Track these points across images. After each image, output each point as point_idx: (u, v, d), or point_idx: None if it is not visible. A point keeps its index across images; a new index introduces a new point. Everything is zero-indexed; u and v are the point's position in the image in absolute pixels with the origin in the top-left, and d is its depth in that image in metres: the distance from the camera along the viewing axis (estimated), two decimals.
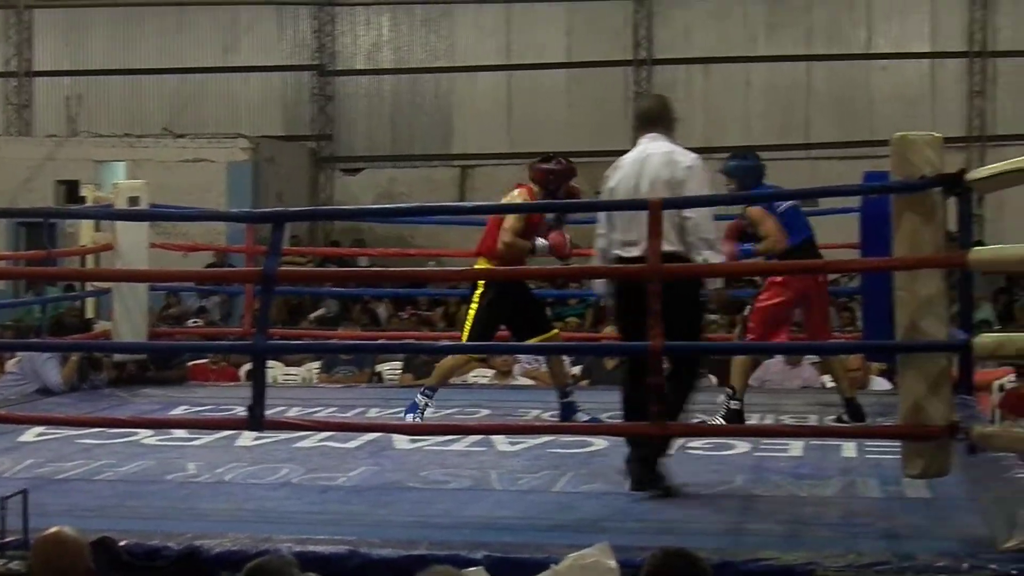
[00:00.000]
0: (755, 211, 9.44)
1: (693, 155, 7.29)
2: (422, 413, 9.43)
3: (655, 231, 6.56)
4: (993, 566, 5.31)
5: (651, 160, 7.22)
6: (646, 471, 7.03)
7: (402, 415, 9.48)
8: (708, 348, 13.05)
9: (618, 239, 7.29)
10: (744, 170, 9.68)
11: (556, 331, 9.89)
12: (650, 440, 7.08)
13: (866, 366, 11.98)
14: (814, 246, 9.67)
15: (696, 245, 7.13)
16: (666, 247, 6.84)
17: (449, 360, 9.80)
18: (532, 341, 9.52)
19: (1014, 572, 5.27)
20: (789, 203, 9.59)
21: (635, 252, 7.12)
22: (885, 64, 25.23)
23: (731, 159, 9.87)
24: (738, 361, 9.67)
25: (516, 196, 9.54)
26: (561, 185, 9.41)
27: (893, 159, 6.16)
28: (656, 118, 7.47)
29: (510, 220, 9.39)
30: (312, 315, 19.11)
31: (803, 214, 9.84)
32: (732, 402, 9.42)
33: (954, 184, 6.11)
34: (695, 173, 7.20)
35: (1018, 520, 5.79)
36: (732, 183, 9.63)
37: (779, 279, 9.48)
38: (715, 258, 7.25)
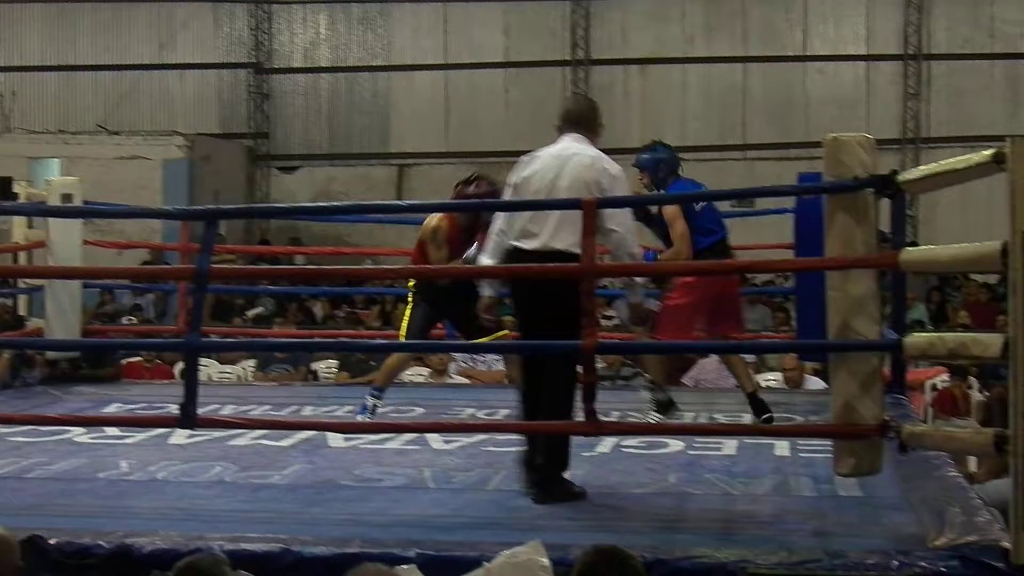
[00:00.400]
0: (670, 211, 9.33)
1: (617, 166, 7.18)
2: (372, 412, 9.41)
3: (589, 230, 6.56)
4: (923, 563, 5.34)
5: (575, 160, 7.10)
6: (550, 482, 6.97)
7: (340, 414, 9.47)
8: (647, 347, 13.09)
9: (518, 228, 7.12)
10: (655, 162, 9.48)
11: (506, 331, 9.60)
12: (551, 448, 7.04)
13: (800, 365, 12.06)
14: (727, 247, 9.60)
15: (621, 259, 7.12)
16: (574, 248, 6.81)
17: (393, 358, 9.76)
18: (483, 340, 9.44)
19: (943, 569, 5.31)
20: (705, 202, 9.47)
21: (534, 244, 7.02)
22: (821, 66, 25.40)
23: (643, 152, 9.68)
24: (651, 357, 9.64)
25: (437, 220, 9.49)
26: (482, 210, 9.14)
27: (826, 160, 6.19)
28: (583, 121, 7.34)
29: (434, 255, 9.35)
30: (250, 312, 19.05)
31: (719, 214, 9.72)
32: (657, 394, 9.41)
33: (886, 185, 6.15)
34: (621, 184, 7.13)
35: (948, 518, 5.85)
36: (644, 177, 9.50)
37: (688, 280, 9.40)
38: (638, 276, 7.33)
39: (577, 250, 6.76)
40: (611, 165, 7.11)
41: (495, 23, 26.04)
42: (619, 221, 7.03)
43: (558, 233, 6.95)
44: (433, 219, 9.49)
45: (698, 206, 9.32)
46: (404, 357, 10.02)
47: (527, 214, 7.11)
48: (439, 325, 10.03)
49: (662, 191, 9.51)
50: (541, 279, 6.97)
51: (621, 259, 7.08)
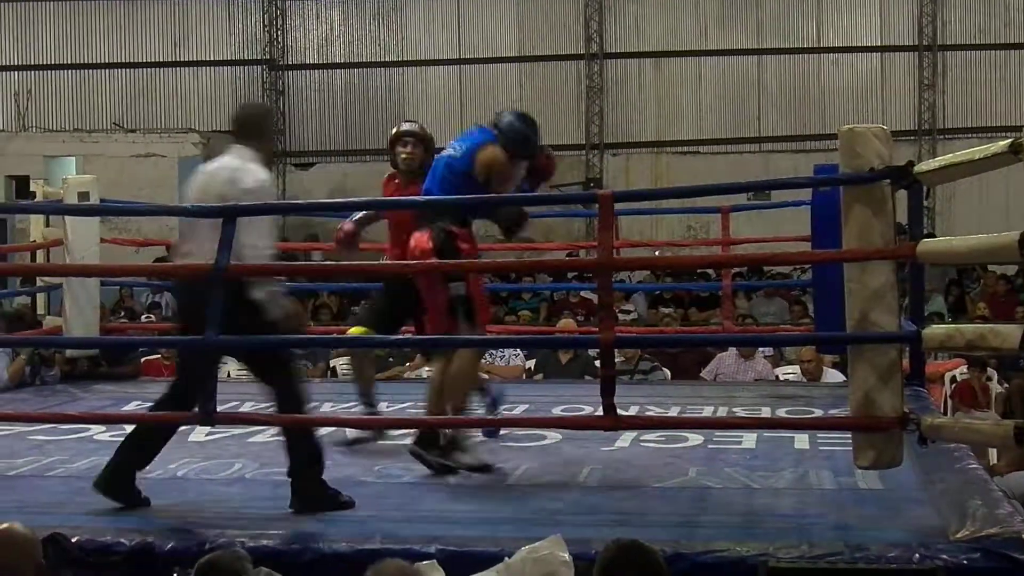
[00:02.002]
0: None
1: (261, 178, 6.73)
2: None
3: (606, 224, 6.55)
4: (945, 556, 5.33)
5: (216, 174, 6.82)
6: (314, 488, 6.68)
7: (358, 410, 9.45)
8: (660, 341, 13.11)
9: (182, 249, 6.95)
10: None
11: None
12: (306, 453, 6.78)
13: (819, 358, 12.04)
14: None
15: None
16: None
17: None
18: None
19: (965, 562, 5.30)
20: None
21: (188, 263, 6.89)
22: (836, 58, 25.38)
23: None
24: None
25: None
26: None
27: (842, 152, 6.18)
28: (244, 129, 6.91)
29: None
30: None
31: None
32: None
33: (902, 176, 6.13)
34: (256, 198, 6.68)
35: (969, 510, 5.84)
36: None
37: None
38: (267, 291, 6.72)
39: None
40: (249, 177, 6.70)
41: (509, 17, 26.06)
42: (246, 233, 6.67)
43: (202, 250, 6.71)
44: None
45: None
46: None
47: (183, 233, 6.97)
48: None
49: None
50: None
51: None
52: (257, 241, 6.68)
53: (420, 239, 7.54)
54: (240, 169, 6.73)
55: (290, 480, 6.70)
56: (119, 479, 6.70)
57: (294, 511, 6.55)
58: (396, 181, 9.04)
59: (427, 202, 7.74)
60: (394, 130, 9.00)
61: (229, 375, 13.21)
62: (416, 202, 8.08)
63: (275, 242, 7.08)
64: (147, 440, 6.87)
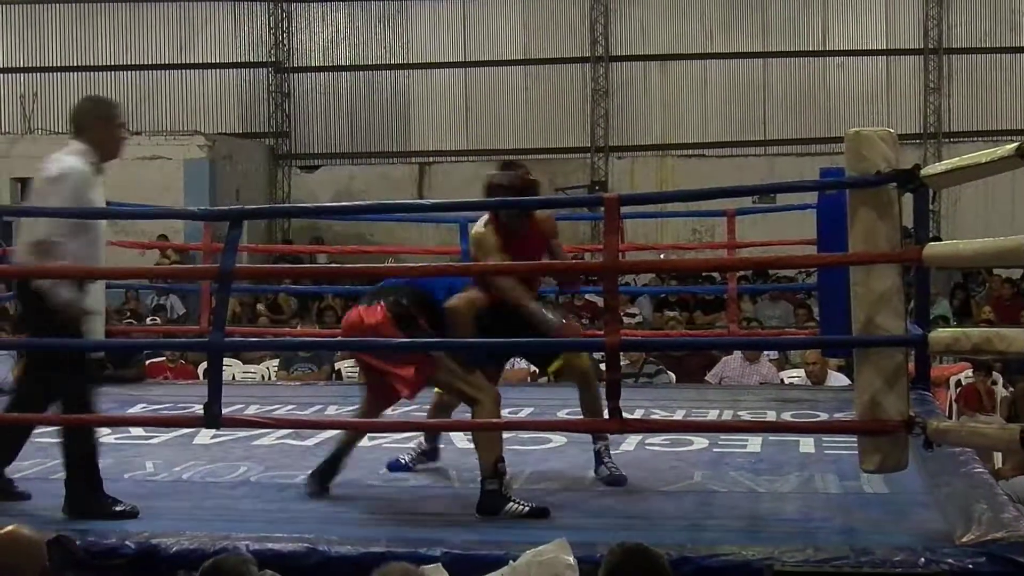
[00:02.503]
0: None
1: (65, 166, 6.72)
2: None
3: (612, 227, 6.53)
4: (950, 560, 5.32)
5: (43, 169, 6.88)
6: (86, 493, 6.67)
7: None
8: (665, 344, 13.12)
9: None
10: None
11: None
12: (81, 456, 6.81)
13: (823, 361, 12.03)
14: None
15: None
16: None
17: None
18: None
19: (970, 566, 5.29)
20: None
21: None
22: (841, 61, 25.36)
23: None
24: None
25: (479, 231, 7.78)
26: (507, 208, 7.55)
27: (848, 155, 6.17)
28: (74, 125, 6.96)
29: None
30: None
31: None
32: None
33: (909, 180, 6.12)
34: (52, 187, 6.74)
35: (975, 514, 5.83)
36: None
37: None
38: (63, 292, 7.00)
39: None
40: (54, 166, 6.76)
41: (514, 20, 26.07)
42: (31, 232, 6.82)
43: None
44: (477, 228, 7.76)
45: None
46: None
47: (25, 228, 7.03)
48: None
49: None
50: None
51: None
52: (48, 228, 6.75)
53: (369, 311, 6.99)
54: (52, 161, 6.81)
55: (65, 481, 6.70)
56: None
57: (66, 515, 6.52)
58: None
59: (433, 204, 7.72)
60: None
61: (234, 377, 13.26)
62: (425, 204, 8.05)
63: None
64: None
